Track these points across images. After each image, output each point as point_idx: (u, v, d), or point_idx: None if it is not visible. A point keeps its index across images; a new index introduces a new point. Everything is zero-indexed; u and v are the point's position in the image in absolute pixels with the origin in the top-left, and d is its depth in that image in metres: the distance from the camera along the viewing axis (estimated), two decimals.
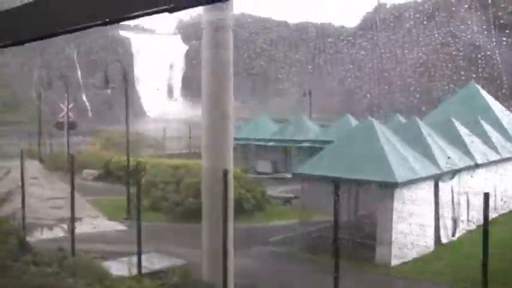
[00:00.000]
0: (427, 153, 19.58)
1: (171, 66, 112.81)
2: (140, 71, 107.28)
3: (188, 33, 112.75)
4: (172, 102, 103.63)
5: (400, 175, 17.12)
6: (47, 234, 19.94)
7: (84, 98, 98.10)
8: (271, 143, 38.69)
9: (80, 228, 19.42)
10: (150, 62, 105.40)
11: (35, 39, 2.21)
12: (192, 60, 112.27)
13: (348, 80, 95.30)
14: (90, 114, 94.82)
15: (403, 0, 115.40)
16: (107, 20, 1.85)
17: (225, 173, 13.29)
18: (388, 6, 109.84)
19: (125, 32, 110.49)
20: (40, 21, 2.07)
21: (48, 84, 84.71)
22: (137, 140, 60.94)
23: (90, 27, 1.92)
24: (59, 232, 20.56)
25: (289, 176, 21.82)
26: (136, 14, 1.79)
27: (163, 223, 22.98)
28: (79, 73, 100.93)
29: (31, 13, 2.12)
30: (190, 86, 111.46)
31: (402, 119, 30.34)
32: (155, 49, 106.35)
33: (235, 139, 40.77)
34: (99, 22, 1.88)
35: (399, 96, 76.53)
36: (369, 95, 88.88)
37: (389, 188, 16.95)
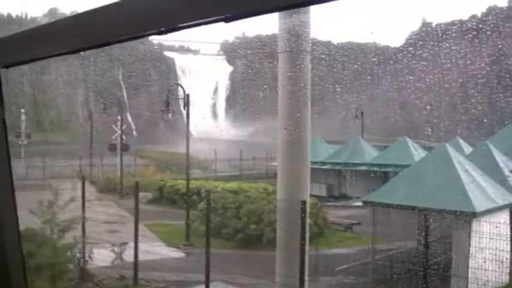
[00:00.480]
0: (501, 179, 18.71)
1: (216, 87, 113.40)
2: (184, 91, 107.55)
3: (233, 53, 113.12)
4: (217, 122, 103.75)
5: (478, 204, 16.30)
6: (106, 261, 19.52)
7: (129, 117, 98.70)
8: (326, 166, 37.94)
9: (139, 255, 18.98)
10: (194, 82, 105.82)
11: (89, 48, 2.12)
12: (236, 80, 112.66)
13: (393, 100, 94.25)
14: (135, 133, 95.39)
15: (448, 18, 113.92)
16: (162, 29, 1.80)
17: (304, 204, 12.75)
18: (433, 25, 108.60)
19: (169, 53, 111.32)
20: (92, 31, 2.00)
21: (100, 105, 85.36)
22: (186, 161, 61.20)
23: (143, 36, 1.89)
24: (118, 258, 20.15)
25: (359, 203, 21.13)
26: (190, 23, 1.74)
27: (224, 250, 22.42)
28: (124, 93, 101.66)
29: (87, 21, 2.02)
30: (234, 106, 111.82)
31: (462, 142, 29.41)
32: (200, 69, 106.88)
33: None
34: (153, 31, 1.83)
35: (451, 116, 75.12)
36: (416, 114, 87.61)
37: (466, 217, 16.13)
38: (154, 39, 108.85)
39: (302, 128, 13.77)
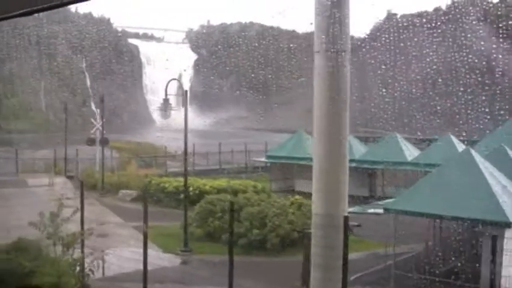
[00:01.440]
0: None
1: (180, 75, 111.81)
2: (148, 79, 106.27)
3: (197, 42, 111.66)
4: (181, 111, 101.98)
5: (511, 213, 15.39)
6: (101, 271, 18.03)
7: (93, 106, 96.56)
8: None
9: (136, 264, 17.60)
10: (158, 70, 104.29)
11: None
12: (200, 69, 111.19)
13: (353, 93, 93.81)
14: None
15: (413, 10, 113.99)
16: None
17: (346, 220, 11.61)
18: (398, 17, 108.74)
19: (133, 40, 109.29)
20: None
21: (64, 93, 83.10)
22: (154, 152, 59.04)
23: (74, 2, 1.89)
24: (115, 268, 18.70)
25: (379, 211, 20.03)
26: None
27: (226, 257, 21.19)
28: (88, 82, 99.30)
29: None
30: (197, 94, 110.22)
31: (454, 139, 28.76)
32: (164, 57, 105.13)
33: (276, 157, 39.06)
34: None
35: (411, 112, 74.90)
36: (374, 109, 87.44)
37: (499, 227, 15.21)
38: (118, 26, 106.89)
39: (342, 135, 12.64)
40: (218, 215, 24.10)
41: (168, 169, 46.06)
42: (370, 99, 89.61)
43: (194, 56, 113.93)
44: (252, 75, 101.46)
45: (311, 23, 13.03)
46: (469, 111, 64.69)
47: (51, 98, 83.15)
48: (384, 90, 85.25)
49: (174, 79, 31.43)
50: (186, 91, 28.59)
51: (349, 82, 13.04)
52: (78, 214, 16.85)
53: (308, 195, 32.91)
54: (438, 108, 70.95)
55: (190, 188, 28.95)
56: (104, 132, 42.50)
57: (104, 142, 41.88)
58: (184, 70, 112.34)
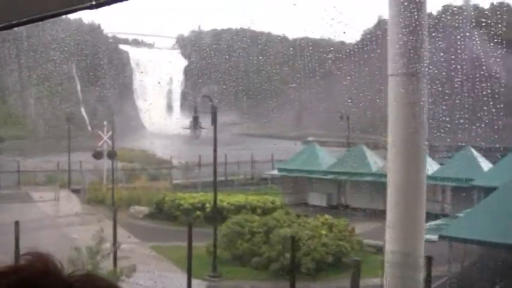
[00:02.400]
0: None
1: (170, 81, 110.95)
2: (138, 85, 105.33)
3: (188, 47, 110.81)
4: (172, 117, 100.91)
5: None
6: None
7: (83, 112, 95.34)
8: (329, 176, 35.90)
9: None
10: (149, 76, 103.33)
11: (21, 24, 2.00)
12: (190, 75, 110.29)
13: (345, 99, 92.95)
14: (89, 128, 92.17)
15: None
16: (93, 3, 1.69)
17: (429, 261, 10.75)
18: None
19: (123, 46, 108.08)
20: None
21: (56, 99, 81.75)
22: (146, 159, 57.83)
23: (74, 11, 1.84)
24: None
25: (434, 238, 19.06)
26: None
27: (260, 283, 20.12)
28: (78, 87, 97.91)
29: None
30: (188, 101, 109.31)
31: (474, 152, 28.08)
32: (154, 63, 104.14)
33: (288, 170, 38.06)
34: (84, 5, 1.73)
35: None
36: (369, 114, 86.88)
37: None
38: (109, 32, 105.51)
39: (420, 165, 11.74)
40: (247, 237, 23.05)
41: (173, 180, 44.81)
42: (366, 105, 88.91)
43: (185, 62, 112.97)
44: (244, 80, 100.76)
45: (392, 45, 12.18)
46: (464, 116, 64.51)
47: (41, 105, 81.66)
48: (374, 98, 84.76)
49: (207, 96, 29.61)
50: (216, 108, 27.13)
51: (427, 107, 12.20)
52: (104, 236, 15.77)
53: (322, 210, 32.09)
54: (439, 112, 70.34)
55: (207, 205, 27.84)
56: (111, 144, 41.00)
57: (111, 155, 40.45)
58: (177, 79, 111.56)
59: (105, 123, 43.30)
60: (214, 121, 25.88)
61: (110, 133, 41.73)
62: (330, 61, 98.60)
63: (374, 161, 36.12)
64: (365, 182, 33.69)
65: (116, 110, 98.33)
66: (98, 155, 41.24)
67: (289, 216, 24.94)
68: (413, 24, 10.81)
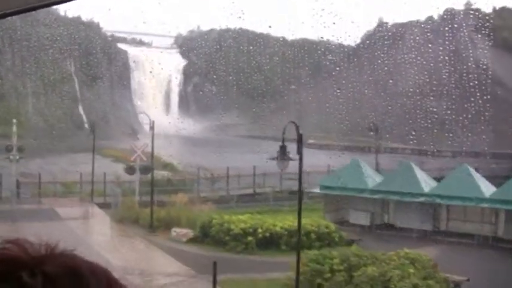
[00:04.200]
0: None
1: (169, 80, 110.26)
2: (137, 84, 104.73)
3: (186, 47, 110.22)
4: (170, 117, 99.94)
5: None
6: None
7: (81, 111, 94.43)
8: (377, 196, 33.99)
9: None
10: (147, 75, 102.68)
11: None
12: (189, 74, 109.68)
13: (347, 101, 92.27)
14: (86, 126, 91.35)
15: (405, 19, 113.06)
16: None
17: None
18: (389, 25, 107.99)
19: (122, 45, 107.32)
20: None
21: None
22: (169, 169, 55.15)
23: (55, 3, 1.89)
24: None
25: None
26: None
27: None
28: (77, 86, 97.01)
29: None
30: (187, 100, 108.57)
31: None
32: (153, 62, 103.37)
33: (332, 188, 36.26)
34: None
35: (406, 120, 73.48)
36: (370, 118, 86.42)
37: None
38: (107, 30, 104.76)
39: None
40: (327, 275, 21.45)
41: (200, 193, 42.03)
42: (367, 108, 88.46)
43: (183, 62, 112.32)
44: (243, 81, 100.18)
45: None
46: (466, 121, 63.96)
47: (39, 103, 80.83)
48: (379, 99, 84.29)
49: (293, 122, 26.81)
50: (301, 135, 24.87)
51: None
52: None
53: (366, 230, 30.89)
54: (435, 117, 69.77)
55: (259, 230, 26.37)
56: (145, 159, 37.73)
57: (145, 171, 37.35)
58: (176, 82, 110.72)
59: (138, 137, 39.15)
60: (299, 150, 23.19)
61: (144, 147, 38.44)
62: (328, 63, 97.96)
63: (424, 179, 34.33)
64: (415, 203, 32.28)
65: (114, 109, 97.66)
66: (130, 170, 37.85)
67: (373, 253, 23.10)
68: None
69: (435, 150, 65.14)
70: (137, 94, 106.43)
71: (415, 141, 64.98)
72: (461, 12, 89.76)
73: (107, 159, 53.11)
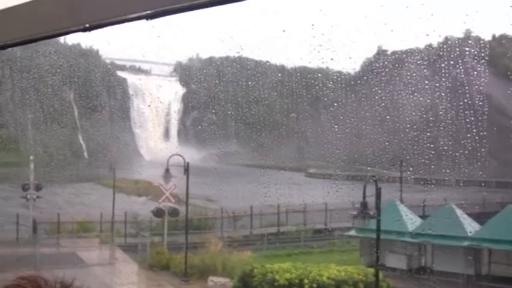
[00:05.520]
0: None
1: (168, 109, 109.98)
2: (136, 112, 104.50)
3: (186, 75, 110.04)
4: (171, 145, 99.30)
5: None
6: None
7: (80, 139, 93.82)
8: (418, 239, 32.46)
9: None
10: (147, 103, 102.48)
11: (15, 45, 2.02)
12: (188, 103, 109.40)
13: (345, 131, 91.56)
14: (85, 155, 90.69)
15: (404, 47, 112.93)
16: (87, 25, 1.76)
17: None
18: (388, 53, 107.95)
19: (121, 72, 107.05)
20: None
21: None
22: (152, 190, 54.41)
23: (68, 33, 1.83)
24: None
25: None
26: (115, 20, 1.74)
27: None
28: (76, 114, 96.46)
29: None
30: (186, 129, 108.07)
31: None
32: (152, 90, 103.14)
33: (369, 231, 34.63)
34: (77, 28, 1.78)
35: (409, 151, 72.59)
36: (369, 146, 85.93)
37: None
38: (107, 58, 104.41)
39: None
40: None
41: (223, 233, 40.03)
42: (365, 136, 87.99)
43: (183, 90, 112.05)
44: (242, 110, 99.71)
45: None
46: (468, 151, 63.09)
47: (39, 131, 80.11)
48: (379, 128, 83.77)
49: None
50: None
51: None
52: None
53: (403, 274, 29.48)
54: (438, 146, 69.08)
55: (305, 281, 24.87)
56: (173, 201, 35.46)
57: (173, 214, 35.25)
58: (175, 110, 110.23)
59: (171, 172, 36.00)
60: (378, 211, 21.86)
61: (172, 188, 35.91)
62: (328, 91, 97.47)
63: (468, 223, 33.05)
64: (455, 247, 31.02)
65: (113, 137, 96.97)
66: (158, 213, 35.29)
67: None
68: None
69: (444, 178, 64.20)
70: (136, 122, 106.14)
71: (421, 171, 63.78)
72: (461, 40, 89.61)
73: (109, 189, 51.94)
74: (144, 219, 40.02)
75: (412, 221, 34.17)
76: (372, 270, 26.96)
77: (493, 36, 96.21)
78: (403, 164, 48.79)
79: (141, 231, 35.81)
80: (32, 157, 38.11)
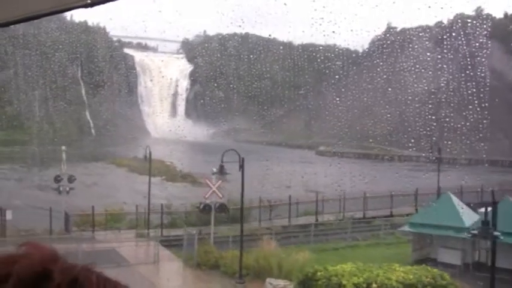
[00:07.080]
0: None
1: (176, 86, 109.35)
2: (143, 89, 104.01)
3: (193, 52, 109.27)
4: (177, 122, 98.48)
5: None
6: None
7: (88, 116, 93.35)
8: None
9: None
10: (154, 80, 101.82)
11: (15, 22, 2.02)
12: (196, 79, 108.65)
13: (354, 107, 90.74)
14: (93, 132, 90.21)
15: (413, 24, 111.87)
16: (88, 1, 1.77)
17: None
18: (398, 30, 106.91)
19: (128, 50, 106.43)
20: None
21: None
22: (166, 171, 52.56)
23: (70, 9, 1.86)
24: None
25: None
26: None
27: None
28: (83, 91, 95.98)
29: None
30: (194, 106, 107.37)
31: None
32: (159, 67, 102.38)
33: (422, 226, 33.22)
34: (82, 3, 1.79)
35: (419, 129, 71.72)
36: (377, 125, 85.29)
37: None
38: (114, 35, 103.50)
39: None
40: None
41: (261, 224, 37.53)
42: (373, 115, 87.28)
43: (190, 67, 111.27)
44: (250, 86, 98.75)
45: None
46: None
47: (46, 108, 79.55)
48: (387, 106, 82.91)
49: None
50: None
51: None
52: None
53: (456, 269, 28.21)
54: (449, 124, 68.04)
55: (373, 285, 23.39)
56: (221, 196, 32.76)
57: (221, 209, 32.90)
58: (182, 84, 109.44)
59: (213, 169, 32.51)
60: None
61: (219, 182, 32.88)
62: (337, 67, 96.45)
63: None
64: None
65: (120, 114, 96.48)
66: (205, 209, 32.65)
67: None
68: None
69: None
70: (144, 99, 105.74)
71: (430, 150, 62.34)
72: (472, 17, 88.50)
73: (121, 169, 51.09)
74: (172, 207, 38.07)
75: (467, 215, 32.47)
76: (437, 271, 25.55)
77: (505, 14, 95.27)
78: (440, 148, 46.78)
79: (185, 226, 33.35)
80: (64, 147, 36.14)
